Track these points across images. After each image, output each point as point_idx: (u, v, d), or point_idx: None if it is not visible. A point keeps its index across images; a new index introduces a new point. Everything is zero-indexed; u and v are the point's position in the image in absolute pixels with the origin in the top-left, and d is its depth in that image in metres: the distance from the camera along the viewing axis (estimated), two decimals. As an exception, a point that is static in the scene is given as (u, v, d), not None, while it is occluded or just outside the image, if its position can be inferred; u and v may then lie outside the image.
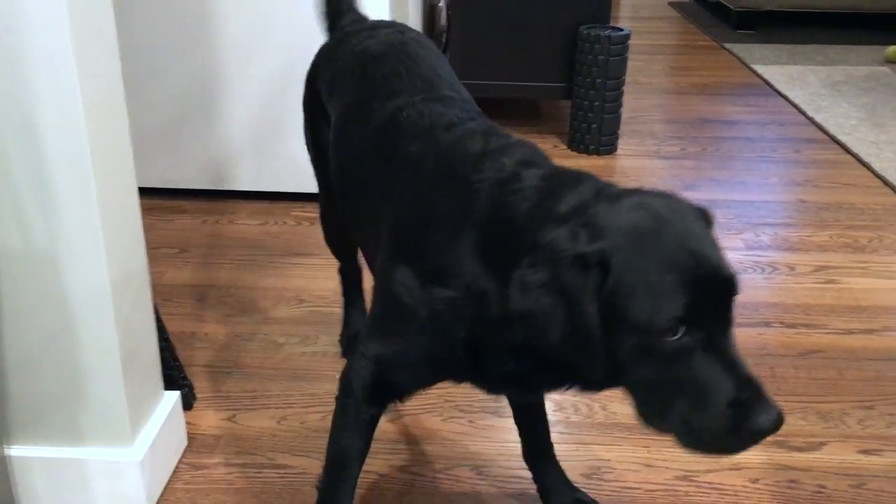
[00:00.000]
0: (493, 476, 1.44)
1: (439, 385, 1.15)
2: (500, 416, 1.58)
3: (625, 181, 2.76)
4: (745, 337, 1.84)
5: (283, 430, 1.55)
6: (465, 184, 0.98)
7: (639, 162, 2.95)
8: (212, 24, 2.28)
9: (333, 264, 1.76)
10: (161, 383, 1.41)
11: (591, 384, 0.95)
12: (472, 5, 3.02)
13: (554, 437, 1.52)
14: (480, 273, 0.94)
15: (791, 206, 2.60)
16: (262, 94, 2.37)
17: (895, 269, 2.18)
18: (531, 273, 0.84)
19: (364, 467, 1.41)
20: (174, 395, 1.44)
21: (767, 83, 3.94)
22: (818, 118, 3.37)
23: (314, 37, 2.26)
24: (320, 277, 2.04)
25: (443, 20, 3.79)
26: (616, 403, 1.63)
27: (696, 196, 2.60)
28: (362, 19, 1.52)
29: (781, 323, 1.92)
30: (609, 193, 0.91)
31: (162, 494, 1.38)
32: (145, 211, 2.40)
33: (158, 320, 1.48)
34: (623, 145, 3.08)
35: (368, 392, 1.11)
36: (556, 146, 3.07)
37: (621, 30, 2.90)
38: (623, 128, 3.11)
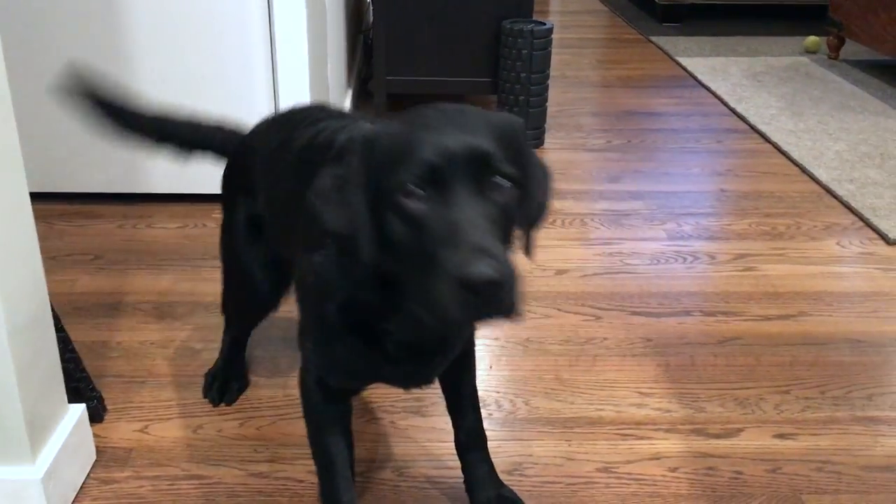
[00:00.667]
0: (415, 477, 1.42)
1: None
2: (422, 416, 1.56)
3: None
4: (666, 326, 1.87)
5: (199, 440, 1.50)
6: (321, 160, 1.08)
7: (565, 155, 2.96)
8: (123, 23, 2.21)
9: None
10: (64, 396, 1.36)
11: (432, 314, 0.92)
12: (396, 0, 2.99)
13: (476, 434, 1.52)
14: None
15: (712, 196, 2.64)
16: (176, 96, 2.30)
17: (811, 255, 2.23)
18: (321, 176, 0.96)
19: (283, 472, 1.39)
20: (80, 408, 1.38)
21: (691, 75, 4.00)
22: (739, 108, 3.44)
23: (226, 39, 2.21)
24: (240, 280, 1.99)
25: (370, 16, 3.75)
26: (539, 398, 1.63)
27: (620, 188, 2.67)
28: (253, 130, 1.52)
29: (701, 311, 1.95)
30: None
31: (68, 512, 1.33)
32: (57, 217, 2.35)
33: (61, 331, 1.42)
34: (550, 139, 3.09)
35: (321, 394, 1.18)
36: (483, 141, 3.06)
37: (544, 24, 2.91)
38: (550, 121, 3.13)
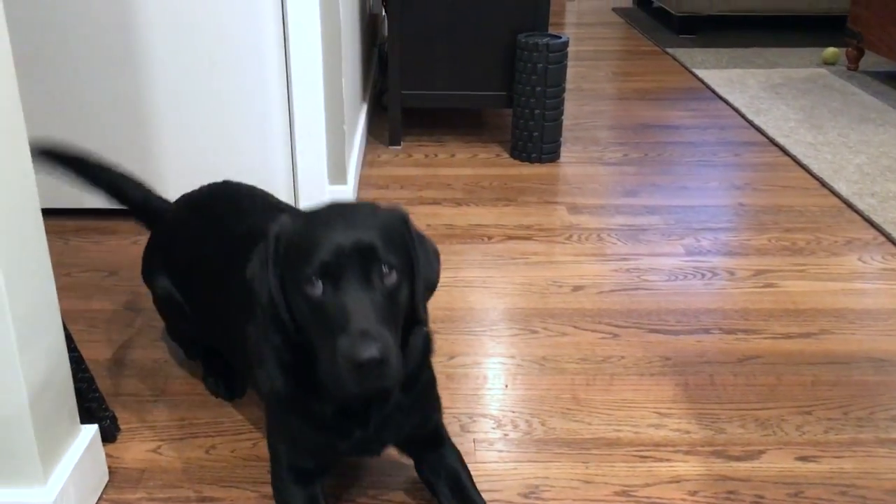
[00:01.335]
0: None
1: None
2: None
3: (567, 188, 2.76)
4: (684, 344, 1.84)
5: (212, 460, 1.49)
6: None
7: (581, 169, 2.94)
8: (135, 30, 2.21)
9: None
10: (77, 417, 1.35)
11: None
12: (410, 15, 2.99)
13: (492, 455, 1.50)
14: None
15: (731, 210, 2.61)
16: (190, 109, 2.31)
17: (832, 271, 2.19)
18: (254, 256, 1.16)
19: None
20: (92, 429, 1.37)
21: (708, 87, 3.98)
22: (757, 121, 3.41)
23: (240, 53, 2.21)
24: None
25: (385, 30, 3.75)
26: (556, 419, 1.61)
27: (637, 202, 2.65)
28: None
29: (720, 329, 1.91)
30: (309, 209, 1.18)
31: (80, 534, 1.32)
32: (72, 233, 2.35)
33: (74, 350, 1.41)
34: (566, 153, 3.07)
35: (292, 476, 1.29)
36: (498, 155, 3.05)
37: (559, 37, 2.90)
38: (566, 135, 3.11)
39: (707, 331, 1.91)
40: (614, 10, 6.12)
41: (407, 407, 1.27)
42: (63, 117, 2.31)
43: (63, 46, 2.22)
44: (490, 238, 2.39)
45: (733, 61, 4.43)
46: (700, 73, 4.19)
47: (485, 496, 1.34)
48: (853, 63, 4.19)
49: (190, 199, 1.71)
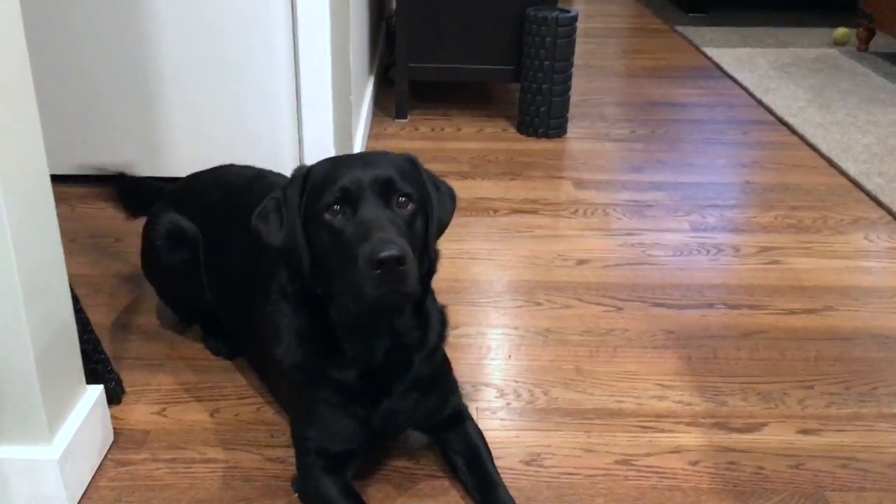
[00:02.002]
0: (431, 464, 1.41)
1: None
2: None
3: (574, 164, 2.76)
4: (688, 319, 1.84)
5: (216, 423, 1.50)
6: None
7: (588, 145, 2.93)
8: (143, 8, 2.21)
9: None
10: (82, 378, 1.35)
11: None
12: (418, -13, 2.97)
13: (495, 423, 1.51)
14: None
15: (737, 188, 2.60)
16: (198, 80, 2.30)
17: (837, 249, 2.19)
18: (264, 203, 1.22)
19: None
20: (98, 389, 1.38)
21: (717, 66, 3.95)
22: (766, 100, 3.39)
23: (249, 25, 2.19)
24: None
25: (393, 4, 3.73)
26: (558, 389, 1.61)
27: (643, 178, 2.64)
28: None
29: (725, 304, 1.91)
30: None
31: (85, 492, 1.33)
32: (78, 199, 2.35)
33: (80, 312, 1.42)
34: (573, 128, 3.06)
35: (321, 463, 1.27)
36: (505, 129, 3.04)
37: (569, 11, 2.88)
38: (573, 111, 3.10)
39: (711, 305, 1.91)
40: (624, -13, 6.07)
41: (427, 378, 1.29)
42: (66, 85, 2.31)
43: (67, 14, 2.21)
44: (496, 211, 2.39)
45: (743, 40, 4.40)
46: (709, 51, 4.16)
47: (487, 462, 1.36)
48: (863, 44, 4.16)
49: (204, 172, 1.74)
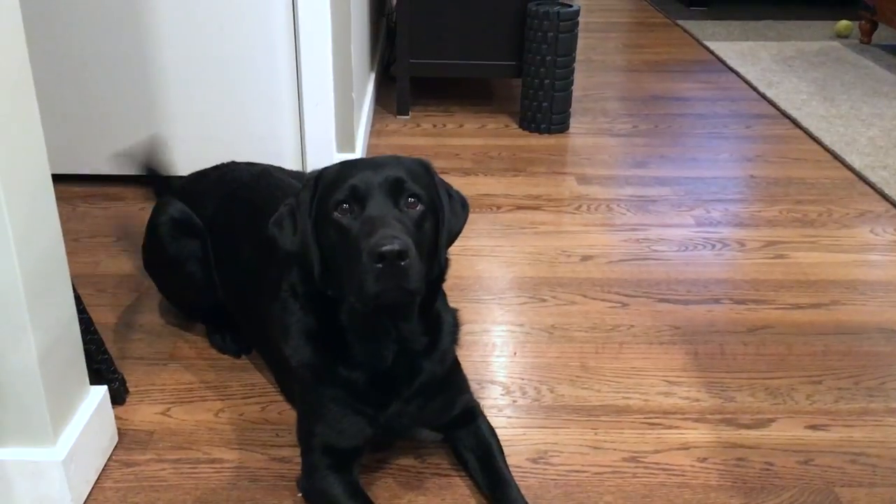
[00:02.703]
0: (438, 464, 1.40)
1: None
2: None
3: (577, 159, 2.74)
4: (694, 314, 1.83)
5: (221, 423, 1.49)
6: None
7: (590, 140, 2.92)
8: (144, 9, 2.19)
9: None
10: (86, 378, 1.35)
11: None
12: (419, -18, 2.95)
13: (501, 421, 1.50)
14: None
15: (741, 182, 2.59)
16: (199, 75, 2.29)
17: (843, 243, 2.17)
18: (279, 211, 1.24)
19: None
20: (101, 390, 1.37)
21: (720, 59, 3.93)
22: (769, 93, 3.37)
23: (249, 22, 2.17)
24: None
25: (393, 0, 3.71)
26: (564, 386, 1.60)
27: (646, 173, 2.63)
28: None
29: (731, 299, 1.90)
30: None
31: (90, 493, 1.32)
32: (80, 199, 2.34)
33: (83, 312, 1.41)
34: (575, 124, 3.05)
35: (327, 461, 1.27)
36: (507, 125, 3.03)
37: (570, 6, 2.86)
38: (575, 106, 3.08)
39: (717, 301, 1.90)
40: (624, -18, 6.04)
41: (439, 379, 1.28)
42: (67, 84, 2.30)
43: (68, 13, 2.20)
44: (499, 208, 2.38)
45: (745, 34, 4.38)
46: (711, 45, 4.14)
47: (494, 460, 1.35)
48: (866, 36, 4.14)
49: (211, 170, 1.76)
